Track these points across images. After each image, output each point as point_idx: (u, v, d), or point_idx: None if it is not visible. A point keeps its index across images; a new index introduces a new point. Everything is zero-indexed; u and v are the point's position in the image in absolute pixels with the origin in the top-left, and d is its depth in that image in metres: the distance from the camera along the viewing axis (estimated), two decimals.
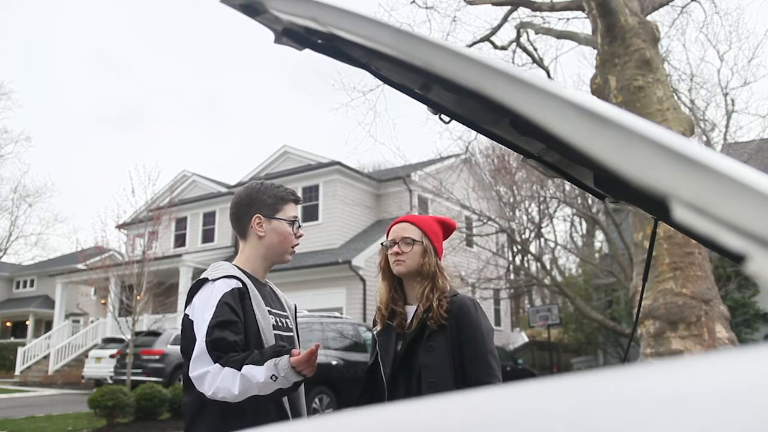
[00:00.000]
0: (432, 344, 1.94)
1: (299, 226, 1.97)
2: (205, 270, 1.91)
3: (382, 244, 2.14)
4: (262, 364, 1.60)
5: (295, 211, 1.97)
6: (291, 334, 1.95)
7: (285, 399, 1.77)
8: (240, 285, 1.77)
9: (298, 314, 2.11)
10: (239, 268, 1.86)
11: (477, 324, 1.96)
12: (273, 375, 1.59)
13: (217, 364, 1.63)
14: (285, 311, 1.99)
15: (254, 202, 1.91)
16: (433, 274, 2.02)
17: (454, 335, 1.94)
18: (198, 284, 1.82)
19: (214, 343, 1.64)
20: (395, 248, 2.04)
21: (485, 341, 1.96)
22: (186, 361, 1.74)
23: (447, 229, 2.19)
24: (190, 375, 1.66)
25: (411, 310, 2.06)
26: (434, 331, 1.94)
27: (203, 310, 1.72)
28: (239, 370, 1.61)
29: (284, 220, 1.91)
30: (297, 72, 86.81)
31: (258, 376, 1.58)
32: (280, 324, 1.89)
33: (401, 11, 65.17)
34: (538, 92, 0.65)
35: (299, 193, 18.44)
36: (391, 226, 2.12)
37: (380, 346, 2.09)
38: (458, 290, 2.10)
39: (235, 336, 1.68)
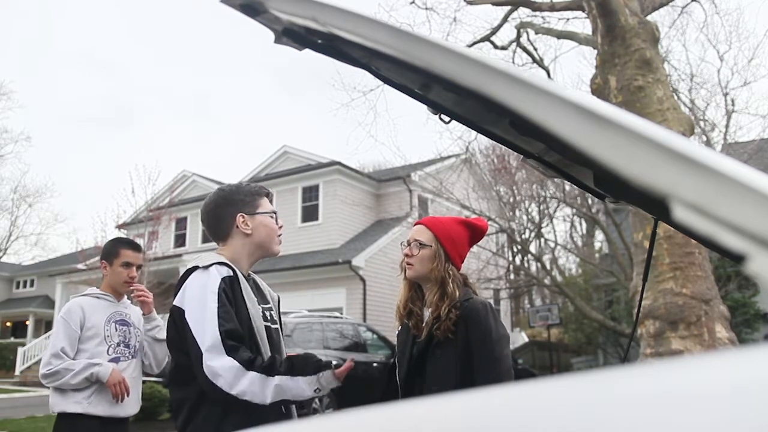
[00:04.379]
0: (439, 353, 1.92)
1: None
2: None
3: (401, 243, 2.13)
4: (296, 376, 1.67)
5: (270, 205, 1.99)
6: (277, 326, 1.96)
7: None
8: (231, 273, 1.78)
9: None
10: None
11: (486, 330, 1.89)
12: (317, 388, 1.70)
13: (235, 362, 1.62)
14: (268, 303, 1.98)
15: (233, 203, 1.92)
16: (441, 280, 1.98)
17: (464, 343, 1.89)
18: (188, 272, 1.82)
19: (229, 333, 1.66)
20: (406, 250, 2.05)
21: (494, 348, 1.89)
22: (174, 353, 1.76)
23: (475, 231, 2.10)
24: (208, 363, 1.63)
25: (428, 313, 2.04)
26: (442, 340, 1.91)
27: (200, 298, 1.71)
28: (269, 376, 1.64)
29: (266, 213, 1.94)
30: (296, 72, 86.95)
31: (295, 389, 1.66)
32: (266, 316, 1.89)
33: (401, 11, 65.18)
34: (538, 92, 0.65)
35: (299, 193, 18.14)
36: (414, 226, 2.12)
37: (398, 346, 2.11)
38: (474, 294, 2.04)
39: (237, 325, 1.70)
